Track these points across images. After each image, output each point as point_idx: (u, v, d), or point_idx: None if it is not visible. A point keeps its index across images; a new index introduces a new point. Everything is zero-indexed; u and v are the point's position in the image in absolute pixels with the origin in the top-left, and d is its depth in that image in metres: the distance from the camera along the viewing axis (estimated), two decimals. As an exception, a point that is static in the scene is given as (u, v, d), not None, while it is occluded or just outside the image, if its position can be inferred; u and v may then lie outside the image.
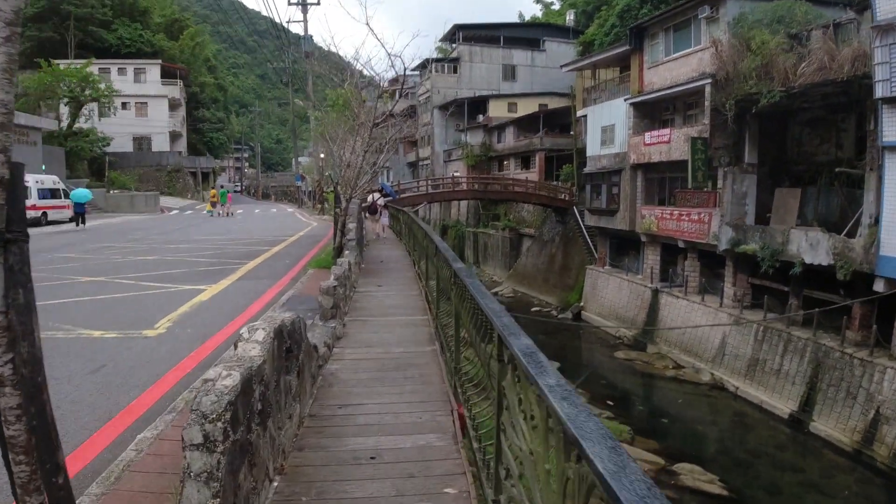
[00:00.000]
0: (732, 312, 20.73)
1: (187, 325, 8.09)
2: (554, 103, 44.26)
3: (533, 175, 39.00)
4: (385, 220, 25.45)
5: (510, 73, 50.70)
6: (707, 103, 21.06)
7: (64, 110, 43.88)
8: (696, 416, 19.39)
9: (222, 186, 42.72)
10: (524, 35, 51.75)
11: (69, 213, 29.14)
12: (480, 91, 47.91)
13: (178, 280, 11.29)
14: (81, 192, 27.98)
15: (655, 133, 23.33)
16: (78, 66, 41.34)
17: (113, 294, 10.10)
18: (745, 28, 20.84)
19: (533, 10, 60.89)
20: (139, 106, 54.22)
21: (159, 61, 54.11)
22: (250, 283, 11.12)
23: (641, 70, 25.08)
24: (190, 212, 38.44)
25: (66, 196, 29.65)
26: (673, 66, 23.51)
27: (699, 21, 22.55)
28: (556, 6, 63.72)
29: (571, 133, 36.08)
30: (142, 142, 54.81)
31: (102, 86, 42.43)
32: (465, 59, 50.00)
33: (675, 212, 22.72)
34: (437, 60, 51.45)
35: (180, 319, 8.40)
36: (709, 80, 20.90)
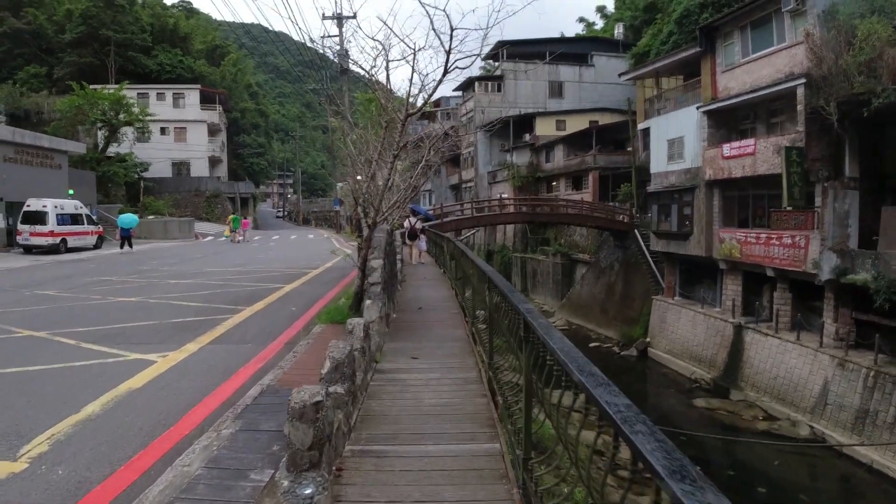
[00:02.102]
0: (835, 354, 17.46)
1: (70, 453, 4.85)
2: (605, 119, 41.38)
3: (585, 196, 36.02)
4: (423, 244, 23.22)
5: (557, 89, 48.07)
6: (800, 108, 17.96)
7: (102, 134, 43.06)
8: (796, 480, 16.06)
9: (235, 213, 41.46)
10: (571, 50, 49.07)
11: (93, 239, 27.68)
12: (526, 109, 45.30)
13: (136, 340, 8.59)
14: (128, 218, 28.37)
15: (736, 144, 20.21)
16: (112, 90, 40.37)
17: (30, 365, 7.31)
18: (843, 18, 17.80)
19: (576, 29, 58.28)
20: (178, 131, 53.38)
21: (198, 86, 53.30)
22: (225, 349, 8.17)
23: (714, 74, 22.07)
24: (223, 238, 36.72)
25: (91, 222, 28.13)
26: (753, 68, 20.47)
27: (782, 15, 19.62)
28: (599, 25, 60.98)
29: (629, 149, 33.05)
30: (181, 167, 53.87)
31: (136, 109, 41.38)
32: (509, 77, 47.59)
33: (763, 235, 19.48)
34: (480, 78, 49.17)
35: (71, 437, 5.20)
36: (801, 81, 17.86)
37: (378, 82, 8.28)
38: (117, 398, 6.15)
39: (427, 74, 8.34)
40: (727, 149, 20.39)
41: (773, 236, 19.15)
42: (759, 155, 19.16)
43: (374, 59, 8.49)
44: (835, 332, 17.83)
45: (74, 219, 26.64)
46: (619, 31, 50.55)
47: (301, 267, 18.28)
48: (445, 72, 7.23)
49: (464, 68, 7.05)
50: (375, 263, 7.77)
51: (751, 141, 19.64)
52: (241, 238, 35.99)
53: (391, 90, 8.12)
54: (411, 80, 7.67)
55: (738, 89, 20.83)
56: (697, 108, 21.89)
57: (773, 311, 20.22)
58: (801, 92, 17.91)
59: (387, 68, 7.89)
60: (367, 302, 7.17)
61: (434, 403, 5.35)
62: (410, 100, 7.91)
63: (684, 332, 23.50)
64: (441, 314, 10.45)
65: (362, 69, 8.32)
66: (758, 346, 20.12)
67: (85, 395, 6.21)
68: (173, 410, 5.73)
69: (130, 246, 27.17)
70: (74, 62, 51.78)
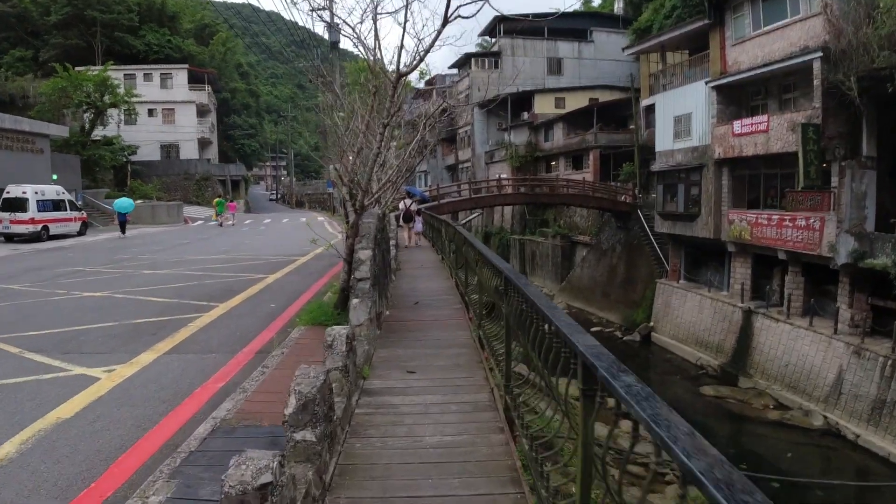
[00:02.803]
0: (850, 341, 16.70)
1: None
2: (606, 97, 40.27)
3: (586, 176, 35.01)
4: (419, 227, 22.52)
5: (556, 66, 46.82)
6: (817, 83, 17.00)
7: (88, 118, 41.82)
8: (810, 474, 15.37)
9: (220, 196, 40.47)
10: (570, 26, 47.69)
11: (76, 226, 26.68)
12: (524, 86, 44.05)
13: (86, 347, 7.44)
14: (124, 202, 28.64)
15: (748, 121, 19.23)
16: (96, 72, 39.00)
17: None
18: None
19: (573, 6, 56.41)
20: (166, 112, 51.93)
21: (186, 66, 51.74)
22: (184, 360, 6.84)
23: (723, 48, 21.05)
24: (212, 223, 35.67)
25: (74, 208, 27.10)
26: (765, 41, 19.46)
27: (796, -15, 18.56)
28: (597, 2, 59.42)
29: (631, 127, 32.03)
30: (169, 149, 52.49)
31: (122, 90, 40.03)
32: (506, 53, 46.29)
33: (775, 216, 18.60)
34: (477, 55, 47.84)
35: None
36: (818, 55, 16.89)
37: (364, 42, 7.11)
38: (41, 434, 4.95)
39: (423, 28, 7.34)
40: (738, 126, 19.43)
41: (786, 218, 18.27)
42: (773, 132, 18.22)
43: (362, 15, 7.39)
44: (850, 319, 17.08)
45: (56, 205, 25.58)
46: (618, 6, 49.21)
47: (289, 254, 17.08)
48: (445, 21, 6.12)
49: (467, 17, 5.98)
50: (364, 255, 6.56)
51: (763, 117, 18.68)
52: (231, 222, 35.29)
53: (380, 47, 6.91)
54: (404, 30, 6.50)
55: (749, 63, 19.83)
56: (706, 83, 20.87)
57: (783, 296, 19.44)
58: (817, 66, 16.97)
59: (374, 20, 6.77)
60: (354, 301, 6.15)
61: (436, 443, 4.17)
62: (404, 60, 6.89)
63: (690, 316, 22.71)
64: (441, 310, 9.27)
65: (348, 25, 7.07)
66: (768, 332, 19.36)
67: (5, 428, 5.07)
68: (100, 456, 4.53)
69: (123, 231, 27.44)
70: (60, 44, 50.23)
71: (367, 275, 6.41)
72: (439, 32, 6.18)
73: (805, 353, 17.99)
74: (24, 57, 49.73)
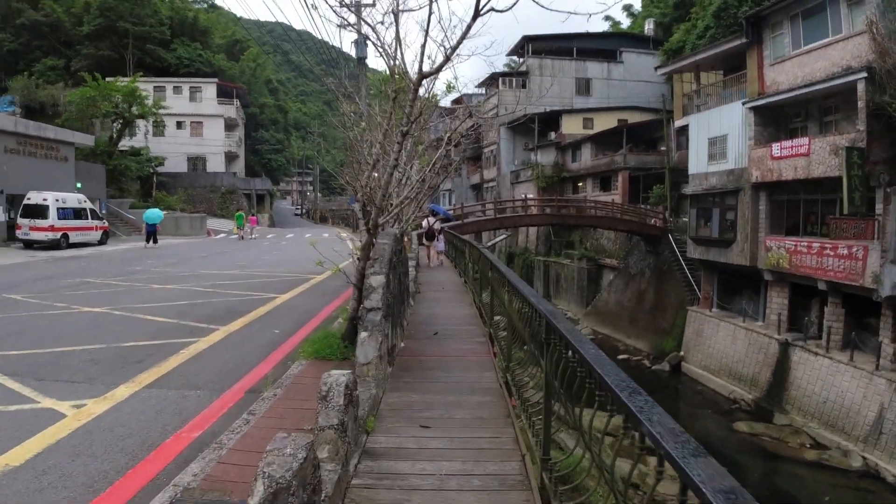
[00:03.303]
0: (893, 377, 15.67)
1: None
2: (635, 118, 39.50)
3: (614, 198, 34.17)
4: (441, 246, 21.85)
5: (584, 86, 46.20)
6: (861, 104, 16.13)
7: (116, 127, 42.19)
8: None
9: (239, 210, 40.52)
10: (599, 46, 47.17)
11: (97, 235, 26.63)
12: (552, 106, 43.50)
13: (65, 374, 6.56)
14: (154, 213, 28.73)
15: (788, 144, 18.36)
16: (125, 83, 39.38)
17: None
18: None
19: (601, 28, 55.84)
20: (194, 125, 52.38)
21: (215, 80, 52.24)
22: (163, 397, 5.93)
23: (761, 68, 20.25)
24: (234, 236, 35.51)
25: (96, 217, 27.06)
26: (806, 61, 18.65)
27: (837, 3, 17.83)
28: (625, 24, 58.88)
29: (662, 149, 31.19)
30: (196, 162, 52.88)
31: (150, 102, 40.33)
32: (534, 73, 45.80)
33: (816, 244, 17.66)
34: (504, 74, 47.44)
35: None
36: (862, 75, 16.05)
37: (383, 44, 6.45)
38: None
39: (450, 26, 6.70)
40: (777, 148, 18.57)
41: (826, 246, 17.31)
42: (814, 155, 17.34)
43: (384, 16, 6.79)
44: (893, 354, 16.03)
45: (77, 213, 25.52)
46: (649, 27, 48.58)
47: (305, 271, 16.18)
48: (476, 13, 5.43)
49: (502, 11, 5.26)
50: (376, 281, 5.75)
51: (804, 140, 17.81)
52: (253, 236, 35.19)
53: (401, 46, 6.15)
54: (427, 28, 5.79)
55: (789, 84, 19.02)
56: (743, 103, 20.07)
57: (821, 328, 18.41)
58: (861, 87, 16.13)
59: (395, 17, 6.08)
60: (363, 335, 5.38)
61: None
62: (428, 65, 6.22)
63: (723, 347, 21.69)
64: (462, 342, 8.27)
65: (368, 25, 6.38)
66: (806, 366, 18.32)
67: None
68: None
69: (155, 241, 27.71)
70: (92, 54, 50.97)
71: (379, 304, 5.64)
72: (469, 27, 5.50)
73: (844, 390, 16.93)
74: (55, 66, 50.56)
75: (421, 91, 6.89)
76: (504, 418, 5.18)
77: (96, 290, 12.96)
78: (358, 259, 7.02)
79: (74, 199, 25.77)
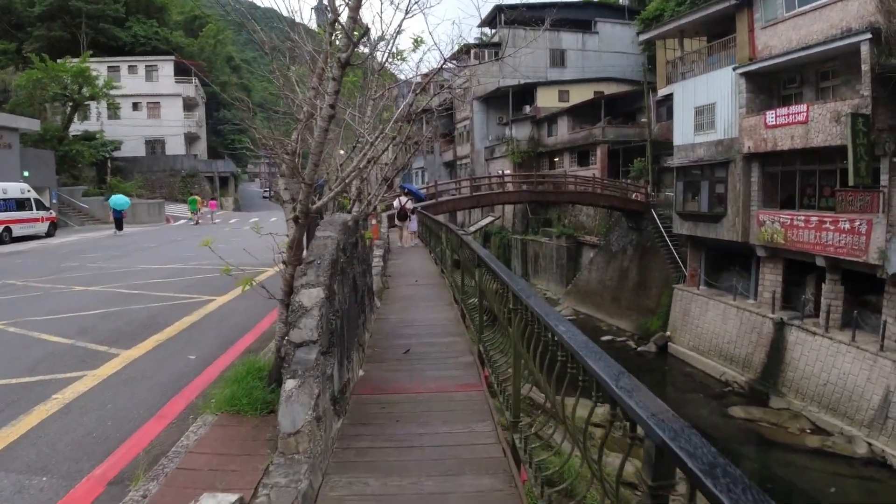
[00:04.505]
0: (899, 359, 14.81)
1: None
2: (611, 90, 38.30)
3: (595, 173, 32.93)
4: (414, 226, 20.91)
5: (559, 58, 44.69)
6: (865, 68, 14.99)
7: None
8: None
9: (193, 194, 38.59)
10: (573, 16, 45.57)
11: (43, 227, 24.64)
12: (526, 79, 41.98)
13: None
14: (119, 199, 27.69)
15: (784, 111, 17.20)
16: (75, 63, 36.81)
17: None
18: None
19: None
20: (151, 106, 49.64)
21: (172, 57, 49.48)
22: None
23: (752, 31, 19.02)
24: (193, 223, 33.50)
25: (42, 207, 25.02)
26: (800, 23, 17.47)
27: (834, -39, 16.57)
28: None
29: (643, 120, 29.98)
30: (155, 145, 50.21)
31: (101, 82, 37.82)
32: (507, 44, 44.09)
33: (814, 218, 16.63)
34: (476, 46, 45.67)
35: None
36: (867, 36, 14.89)
37: None
38: None
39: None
40: (772, 116, 17.40)
41: (826, 220, 16.30)
42: (813, 123, 16.22)
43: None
44: (900, 333, 15.14)
45: (20, 204, 23.45)
46: (624, -5, 47.18)
47: (260, 263, 14.08)
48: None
49: None
50: (310, 298, 3.85)
51: (802, 107, 16.66)
52: (216, 220, 33.43)
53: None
54: None
55: (783, 48, 17.83)
56: (734, 69, 18.83)
57: (818, 306, 17.49)
58: (865, 49, 14.99)
59: None
60: (289, 386, 3.50)
61: None
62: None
63: (712, 326, 20.73)
64: (443, 367, 6.16)
65: None
66: (803, 347, 17.41)
67: None
68: None
69: (120, 228, 26.99)
70: (44, 36, 48.05)
71: (314, 335, 3.75)
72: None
73: (846, 372, 16.06)
74: (7, 50, 47.52)
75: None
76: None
77: (9, 295, 10.84)
78: (283, 262, 4.83)
79: (17, 189, 23.69)
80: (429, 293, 11.11)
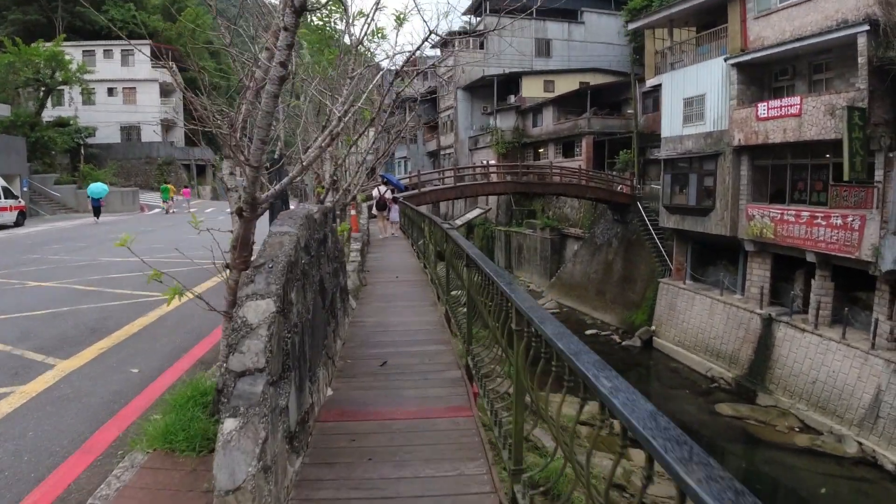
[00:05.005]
0: (891, 357, 14.58)
1: None
2: (597, 80, 37.75)
3: (579, 164, 32.49)
4: (395, 216, 20.50)
5: (544, 47, 44.08)
6: (862, 60, 14.65)
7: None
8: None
9: (165, 182, 37.72)
10: (559, 6, 44.95)
11: (12, 216, 23.67)
12: (511, 68, 41.38)
13: None
14: (98, 187, 27.29)
15: (776, 103, 16.83)
16: (48, 47, 35.54)
17: None
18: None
19: None
20: (127, 92, 48.24)
21: (149, 41, 48.12)
22: None
23: (744, 21, 18.61)
24: (165, 211, 32.53)
25: (10, 196, 24.03)
26: (794, 14, 17.08)
27: (829, -50, 16.20)
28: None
29: (630, 112, 29.55)
30: (130, 131, 48.87)
31: (74, 67, 36.56)
32: (492, 33, 43.40)
33: (805, 213, 16.31)
34: (460, 34, 44.92)
35: None
36: (864, 28, 14.53)
37: None
38: None
39: None
40: (763, 108, 17.03)
41: (818, 215, 15.98)
42: (806, 116, 15.85)
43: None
44: (890, 332, 14.91)
45: (-14, 192, 22.48)
46: (609, -15, 46.58)
47: (221, 261, 13.14)
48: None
49: None
50: (256, 313, 3.06)
51: (795, 99, 16.29)
52: (192, 209, 32.50)
53: None
54: None
55: (776, 38, 17.43)
56: (725, 59, 18.41)
57: (806, 302, 17.22)
58: (862, 41, 14.66)
59: None
60: (227, 427, 2.66)
61: None
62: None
63: (699, 321, 20.43)
64: (426, 383, 5.35)
65: None
66: (792, 343, 17.15)
67: None
68: None
69: (97, 216, 26.58)
70: (19, 20, 46.60)
71: (260, 362, 2.90)
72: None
73: (836, 370, 15.81)
74: (-19, 34, 46.00)
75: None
76: None
77: None
78: (227, 266, 3.97)
79: None
80: (410, 291, 10.35)
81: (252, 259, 3.80)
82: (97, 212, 26.73)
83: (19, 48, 34.21)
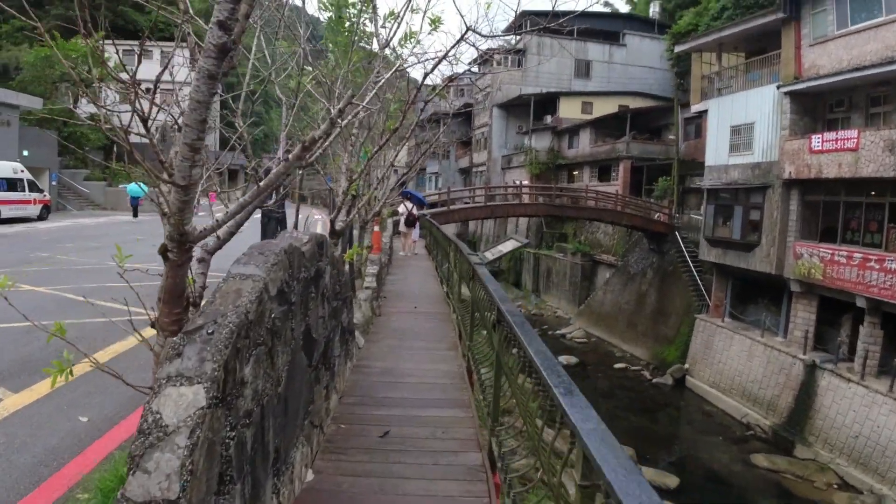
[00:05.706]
0: (944, 415, 13.34)
1: None
2: (637, 104, 36.82)
3: (616, 189, 31.51)
4: (416, 233, 20.14)
5: (584, 69, 43.33)
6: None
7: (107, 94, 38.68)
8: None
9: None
10: (601, 27, 44.19)
11: (35, 209, 23.61)
12: (549, 88, 40.67)
13: None
14: (134, 187, 27.68)
15: (831, 136, 15.77)
16: (84, 43, 35.87)
17: None
18: None
19: (591, 4, 52.49)
20: (164, 93, 48.74)
21: (187, 44, 48.66)
22: None
23: (799, 48, 17.62)
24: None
25: (36, 189, 23.97)
26: (853, 42, 16.07)
27: (893, -22, 15.21)
28: (624, 11, 55.80)
29: (671, 137, 28.56)
30: (166, 133, 49.33)
31: (111, 64, 36.84)
32: (531, 52, 42.82)
33: (858, 254, 15.19)
34: (499, 51, 44.40)
35: None
36: (931, 59, 13.48)
37: None
38: None
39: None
40: (818, 141, 15.97)
41: (871, 257, 14.84)
42: (864, 151, 14.78)
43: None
44: (946, 387, 13.69)
45: (11, 184, 22.36)
46: (654, 9, 45.75)
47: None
48: None
49: None
50: (175, 408, 2.06)
51: (853, 132, 15.22)
52: (218, 214, 32.36)
53: None
54: None
55: (832, 67, 16.42)
56: (778, 87, 17.42)
57: (852, 349, 16.02)
58: (928, 73, 13.57)
59: None
60: None
61: None
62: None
63: (736, 362, 19.26)
64: (434, 473, 4.16)
65: None
66: (836, 393, 15.93)
67: None
68: None
69: (136, 215, 27.93)
70: (61, 15, 47.24)
71: (172, 491, 1.90)
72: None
73: (882, 424, 14.58)
74: (24, 27, 46.87)
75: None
76: None
77: None
78: (154, 326, 2.83)
79: (9, 169, 22.61)
80: (429, 327, 9.10)
81: (192, 316, 2.77)
82: (136, 210, 28.12)
83: (56, 42, 34.60)
